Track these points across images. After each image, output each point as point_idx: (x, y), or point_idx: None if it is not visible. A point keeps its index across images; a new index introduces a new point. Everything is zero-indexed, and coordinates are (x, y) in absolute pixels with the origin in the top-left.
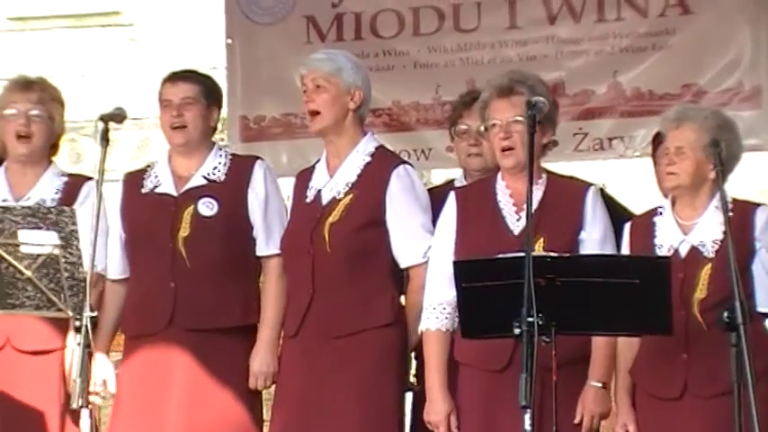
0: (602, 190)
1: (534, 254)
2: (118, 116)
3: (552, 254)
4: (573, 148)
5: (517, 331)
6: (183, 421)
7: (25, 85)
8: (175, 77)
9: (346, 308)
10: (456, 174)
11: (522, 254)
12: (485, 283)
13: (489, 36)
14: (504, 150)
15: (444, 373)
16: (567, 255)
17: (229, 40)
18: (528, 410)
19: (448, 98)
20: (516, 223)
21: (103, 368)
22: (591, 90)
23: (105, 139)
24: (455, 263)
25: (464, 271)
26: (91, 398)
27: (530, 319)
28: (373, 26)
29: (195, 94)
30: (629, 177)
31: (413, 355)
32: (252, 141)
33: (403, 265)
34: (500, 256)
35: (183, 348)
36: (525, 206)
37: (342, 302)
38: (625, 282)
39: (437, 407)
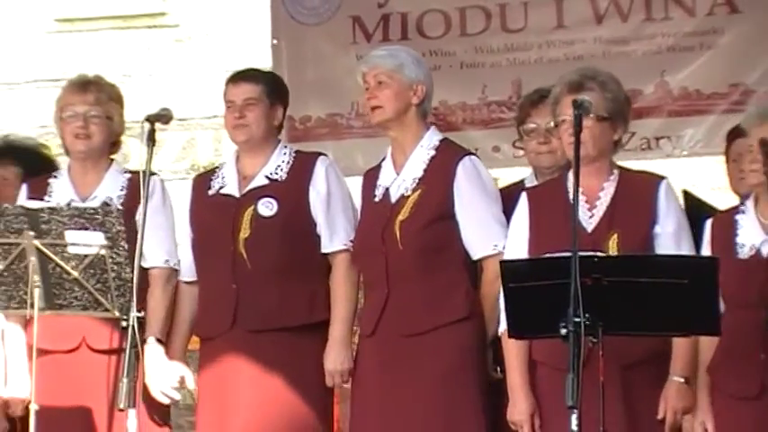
0: (686, 191)
1: (581, 253)
2: (164, 117)
3: (599, 253)
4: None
5: (563, 332)
6: (251, 422)
7: (82, 87)
8: (238, 78)
9: (422, 304)
10: (499, 174)
11: (569, 253)
12: (532, 283)
13: (536, 36)
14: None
15: (525, 372)
16: (614, 255)
17: (275, 41)
18: (575, 411)
19: (494, 98)
20: (589, 220)
21: (179, 366)
22: (638, 90)
23: (151, 140)
24: (502, 263)
25: (511, 271)
26: (171, 394)
27: (576, 320)
28: (420, 26)
29: (258, 95)
30: (675, 177)
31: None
32: (298, 142)
33: (475, 257)
34: (546, 255)
35: (247, 349)
36: (597, 204)
37: (417, 299)
38: (673, 282)
39: (520, 407)
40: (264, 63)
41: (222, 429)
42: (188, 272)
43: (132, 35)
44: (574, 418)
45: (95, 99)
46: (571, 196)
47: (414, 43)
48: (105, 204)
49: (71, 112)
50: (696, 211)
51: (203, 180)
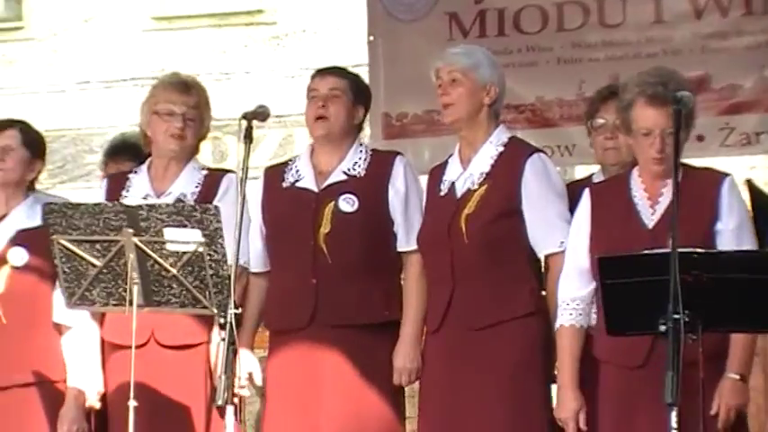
0: (749, 181)
1: (681, 250)
2: (261, 114)
3: (699, 250)
4: (719, 144)
5: (662, 328)
6: (332, 417)
7: (185, 87)
8: (324, 71)
9: (487, 299)
10: (596, 169)
11: (669, 250)
12: (629, 280)
13: (634, 31)
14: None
15: (576, 369)
16: (715, 251)
17: (371, 38)
18: (674, 408)
19: (592, 94)
20: (651, 217)
21: (249, 362)
22: (738, 84)
23: (249, 137)
24: (599, 259)
25: (608, 267)
26: (239, 391)
27: (676, 316)
28: (516, 22)
29: (342, 88)
30: None
31: None
32: (394, 138)
33: (540, 254)
34: (645, 252)
35: (328, 344)
36: (660, 200)
37: (482, 294)
38: None
39: (567, 404)
40: (361, 60)
41: (300, 423)
42: (258, 263)
43: (229, 33)
44: (673, 416)
45: (195, 102)
46: (634, 194)
47: (510, 39)
48: (178, 201)
49: (169, 111)
50: (760, 200)
51: (275, 172)
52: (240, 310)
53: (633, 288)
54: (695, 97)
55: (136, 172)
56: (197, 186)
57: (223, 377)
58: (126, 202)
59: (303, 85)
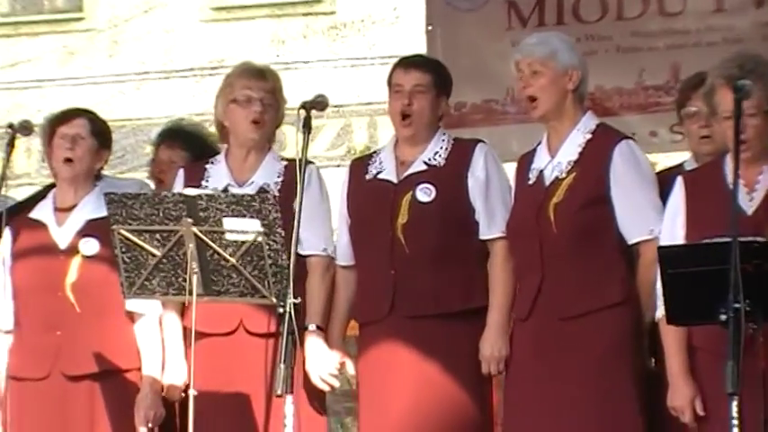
0: None
1: (741, 239)
2: (320, 104)
3: (759, 239)
4: None
5: (723, 318)
6: (411, 408)
7: (260, 74)
8: (408, 64)
9: (576, 288)
10: (656, 159)
11: (729, 239)
12: (690, 269)
13: (695, 20)
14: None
15: (685, 357)
16: None
17: (430, 27)
18: (735, 398)
19: (652, 83)
20: (749, 204)
21: (339, 352)
22: None
23: (307, 127)
24: (659, 248)
25: (669, 257)
26: (330, 381)
27: (736, 306)
28: (576, 10)
29: (427, 83)
30: None
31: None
32: (452, 128)
33: (630, 242)
34: (705, 241)
35: (407, 335)
36: (757, 187)
37: (572, 282)
38: None
39: (681, 392)
40: (419, 49)
41: (383, 415)
42: (345, 256)
43: (288, 23)
44: (734, 405)
45: (272, 87)
46: (729, 180)
47: (569, 28)
48: (262, 191)
49: (248, 96)
50: None
51: (360, 165)
52: (299, 300)
53: (694, 277)
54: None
55: (212, 162)
56: (279, 176)
57: (282, 366)
58: (186, 191)
59: (362, 75)
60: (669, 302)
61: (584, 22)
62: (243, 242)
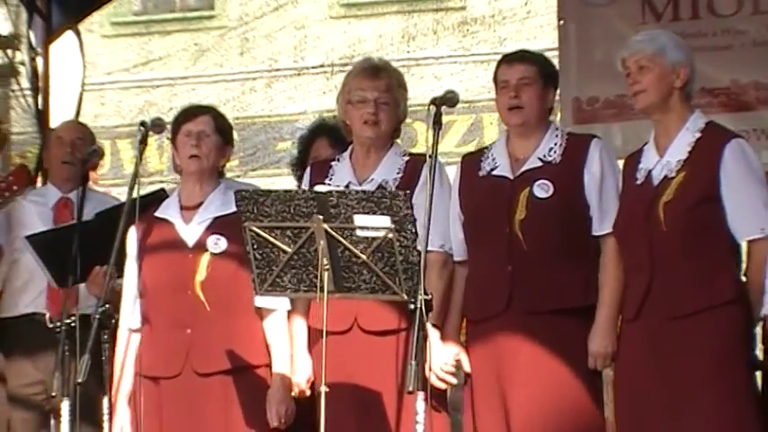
0: None
1: None
2: (450, 100)
3: None
4: None
5: None
6: (528, 405)
7: (373, 72)
8: (512, 58)
9: (686, 287)
10: None
11: None
12: None
13: None
14: None
15: None
16: None
17: (562, 22)
18: None
19: None
20: None
21: (456, 349)
22: None
23: (438, 123)
24: None
25: None
26: (448, 379)
27: None
28: (711, 4)
29: (532, 75)
30: None
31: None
32: (585, 123)
33: (740, 241)
34: None
35: (524, 331)
36: None
37: (682, 281)
38: None
39: None
40: (550, 44)
41: (501, 411)
42: (458, 252)
43: (418, 19)
44: None
45: (386, 85)
46: None
47: (705, 22)
48: (380, 188)
49: (360, 97)
50: None
51: (472, 161)
52: (430, 296)
53: None
54: None
55: (338, 160)
56: (398, 173)
57: (413, 363)
58: (316, 188)
59: (492, 70)
60: None
61: (720, 16)
62: (374, 239)
